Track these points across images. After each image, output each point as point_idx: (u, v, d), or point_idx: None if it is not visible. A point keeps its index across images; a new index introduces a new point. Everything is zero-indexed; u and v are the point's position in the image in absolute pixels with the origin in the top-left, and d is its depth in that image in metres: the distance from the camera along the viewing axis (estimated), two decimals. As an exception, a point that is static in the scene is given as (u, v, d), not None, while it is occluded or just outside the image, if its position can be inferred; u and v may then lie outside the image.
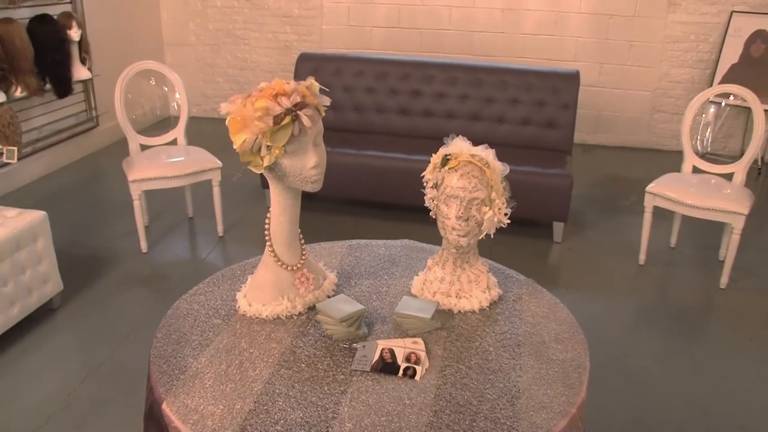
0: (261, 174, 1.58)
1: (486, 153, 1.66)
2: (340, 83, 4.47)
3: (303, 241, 1.73)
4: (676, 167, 3.77)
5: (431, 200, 1.72)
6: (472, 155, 1.64)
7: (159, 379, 1.45)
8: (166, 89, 5.64)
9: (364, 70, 4.47)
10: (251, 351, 1.55)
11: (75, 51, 4.70)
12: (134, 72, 3.76)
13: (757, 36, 5.19)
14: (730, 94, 4.45)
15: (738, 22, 5.27)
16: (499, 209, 1.64)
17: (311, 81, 1.56)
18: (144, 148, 3.84)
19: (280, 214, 1.64)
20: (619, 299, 3.36)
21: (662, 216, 3.95)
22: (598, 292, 3.42)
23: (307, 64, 4.50)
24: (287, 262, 1.68)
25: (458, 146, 1.67)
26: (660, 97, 5.72)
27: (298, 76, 4.46)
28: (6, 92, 4.09)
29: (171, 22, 6.35)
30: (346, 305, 1.61)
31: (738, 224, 3.30)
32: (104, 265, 3.54)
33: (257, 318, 1.68)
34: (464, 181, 1.61)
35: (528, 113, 4.26)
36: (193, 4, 6.24)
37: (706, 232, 4.10)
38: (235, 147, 1.50)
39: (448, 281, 1.75)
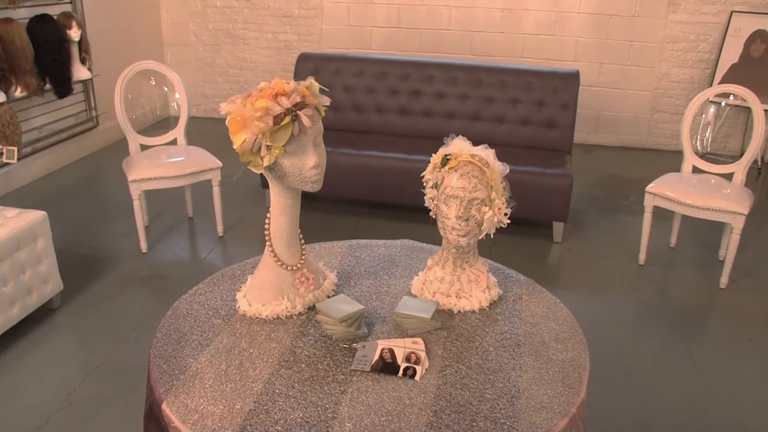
0: (261, 174, 1.58)
1: (486, 153, 1.66)
2: (340, 83, 4.47)
3: (303, 241, 1.73)
4: (676, 167, 3.77)
5: (431, 200, 1.72)
6: (472, 155, 1.64)
7: (159, 379, 1.45)
8: (166, 89, 5.63)
9: (364, 70, 4.47)
10: (251, 351, 1.55)
11: (75, 51, 4.70)
12: (134, 72, 3.76)
13: (757, 36, 5.19)
14: (730, 94, 4.45)
15: (738, 22, 5.27)
16: (499, 209, 1.64)
17: (311, 81, 1.56)
18: (144, 148, 3.84)
19: (280, 214, 1.64)
20: (618, 299, 3.36)
21: (662, 216, 3.95)
22: (597, 292, 3.42)
23: (307, 64, 4.50)
24: (287, 262, 1.68)
25: (458, 146, 1.67)
26: (660, 97, 5.72)
27: (298, 76, 4.46)
28: (6, 92, 4.09)
29: (171, 22, 6.35)
30: (346, 305, 1.61)
31: (738, 224, 3.30)
32: (104, 265, 3.54)
33: (257, 318, 1.68)
34: (464, 181, 1.61)
35: (528, 113, 4.26)
36: (193, 4, 6.24)
37: (706, 232, 4.10)
38: (235, 147, 1.50)
39: (448, 281, 1.75)
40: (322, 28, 6.06)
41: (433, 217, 1.74)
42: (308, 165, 1.53)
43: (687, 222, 4.06)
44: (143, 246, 3.69)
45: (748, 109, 4.99)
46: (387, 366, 1.49)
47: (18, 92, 4.20)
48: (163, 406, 1.37)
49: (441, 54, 5.86)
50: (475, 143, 1.70)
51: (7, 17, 4.14)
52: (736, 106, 5.32)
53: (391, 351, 1.53)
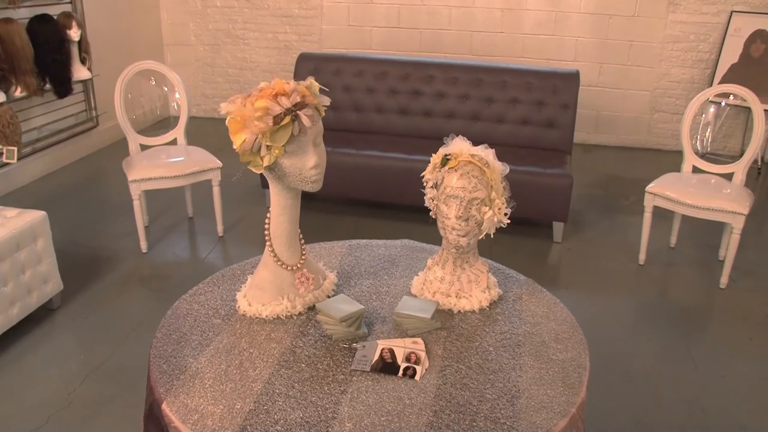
0: (261, 174, 1.58)
1: (486, 153, 1.66)
2: (340, 83, 4.47)
3: (303, 241, 1.73)
4: (676, 167, 3.77)
5: (431, 200, 1.72)
6: (472, 155, 1.64)
7: (159, 379, 1.45)
8: (166, 89, 5.63)
9: (364, 70, 4.47)
10: (251, 351, 1.55)
11: (75, 51, 4.70)
12: (134, 72, 3.76)
13: (757, 36, 5.19)
14: (730, 94, 4.45)
15: (738, 22, 5.27)
16: (499, 209, 1.64)
17: (311, 81, 1.56)
18: (144, 148, 3.84)
19: (280, 214, 1.64)
20: (618, 299, 3.36)
21: (662, 216, 3.95)
22: (598, 292, 3.42)
23: (307, 64, 4.50)
24: (287, 262, 1.68)
25: (458, 146, 1.67)
26: (660, 97, 5.72)
27: (298, 76, 4.46)
28: (6, 92, 4.09)
29: (171, 22, 6.35)
30: (346, 305, 1.61)
31: (738, 224, 3.30)
32: (104, 265, 3.54)
33: (257, 318, 1.68)
34: (464, 181, 1.61)
35: (528, 113, 4.26)
36: (193, 4, 6.24)
37: (706, 232, 4.10)
38: (235, 147, 1.50)
39: (448, 281, 1.75)
40: (322, 28, 6.06)
41: (433, 217, 1.74)
42: (308, 165, 1.53)
43: (687, 222, 4.06)
44: (143, 246, 3.69)
45: (748, 109, 4.99)
46: (387, 366, 1.49)
47: (18, 92, 4.20)
48: (163, 406, 1.37)
49: (441, 54, 5.86)
50: (475, 143, 1.69)
51: (7, 17, 4.14)
52: (736, 106, 5.32)
53: (391, 351, 1.53)
